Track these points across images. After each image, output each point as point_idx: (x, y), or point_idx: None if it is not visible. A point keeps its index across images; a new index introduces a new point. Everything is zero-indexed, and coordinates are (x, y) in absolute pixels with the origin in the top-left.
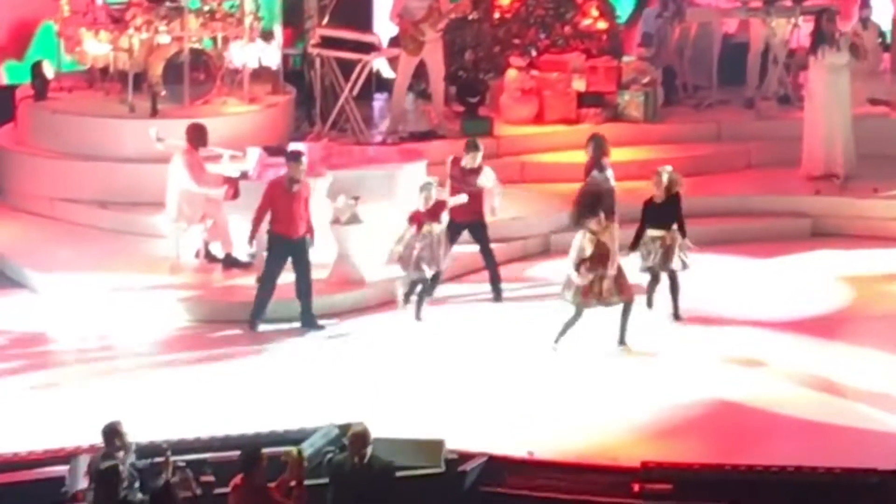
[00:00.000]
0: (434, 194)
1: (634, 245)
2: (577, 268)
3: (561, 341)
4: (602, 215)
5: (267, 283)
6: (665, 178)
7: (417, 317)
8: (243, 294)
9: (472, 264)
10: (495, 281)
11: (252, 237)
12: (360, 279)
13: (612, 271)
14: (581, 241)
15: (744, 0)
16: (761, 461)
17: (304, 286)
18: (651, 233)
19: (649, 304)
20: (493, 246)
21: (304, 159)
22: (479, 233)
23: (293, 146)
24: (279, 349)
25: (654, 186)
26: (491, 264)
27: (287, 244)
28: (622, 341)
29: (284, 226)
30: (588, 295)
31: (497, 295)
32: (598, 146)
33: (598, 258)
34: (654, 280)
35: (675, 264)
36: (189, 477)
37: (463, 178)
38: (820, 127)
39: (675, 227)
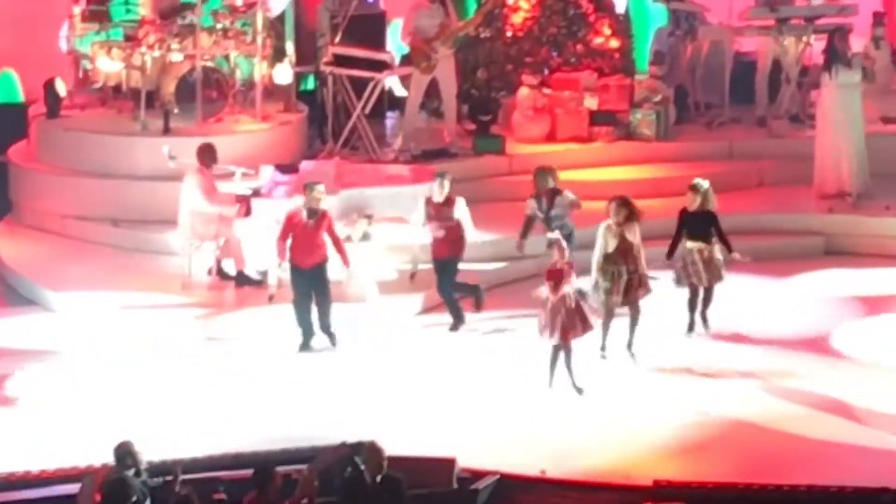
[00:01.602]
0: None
1: (671, 253)
2: (601, 267)
3: (607, 346)
4: (622, 207)
5: (296, 311)
6: (701, 192)
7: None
8: (255, 311)
9: (483, 282)
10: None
11: (280, 263)
12: (370, 296)
13: (642, 268)
14: (604, 235)
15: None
16: (774, 480)
17: (320, 317)
18: (690, 245)
19: (691, 328)
20: (504, 264)
21: (320, 188)
22: (453, 267)
23: (306, 169)
24: (290, 368)
25: (688, 200)
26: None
27: (299, 274)
28: (630, 346)
29: (295, 255)
30: (612, 294)
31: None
32: (543, 178)
33: (622, 253)
34: (694, 295)
35: (716, 280)
36: (192, 494)
37: (438, 215)
38: (832, 145)
39: (714, 241)
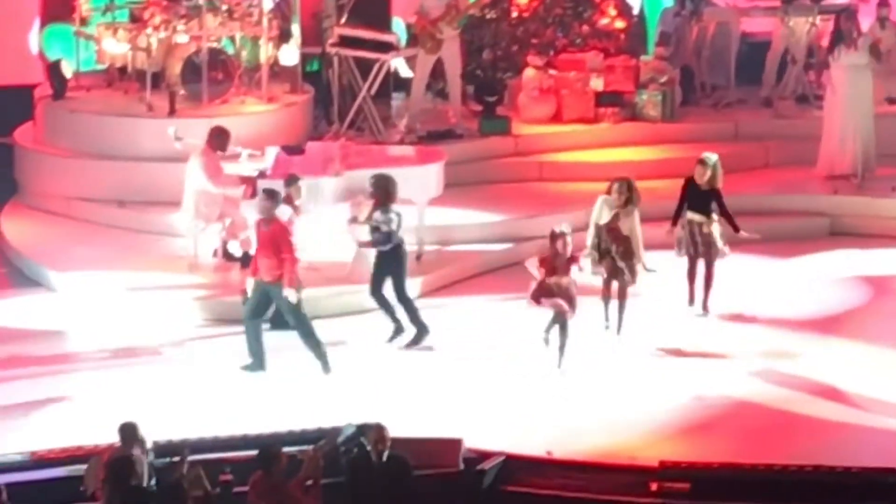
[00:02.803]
0: (569, 242)
1: (675, 221)
2: (593, 236)
3: (609, 317)
4: (625, 189)
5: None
6: (707, 170)
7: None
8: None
9: (489, 263)
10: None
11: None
12: None
13: (636, 256)
14: (600, 206)
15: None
16: (779, 460)
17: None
18: (691, 216)
19: (691, 299)
20: (510, 245)
21: (278, 196)
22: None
23: (312, 150)
24: (295, 349)
25: (697, 173)
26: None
27: (255, 283)
28: (619, 331)
29: (253, 264)
30: (601, 264)
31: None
32: (383, 188)
33: (612, 232)
34: (692, 266)
35: (715, 253)
36: (201, 474)
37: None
38: (838, 126)
39: (714, 216)
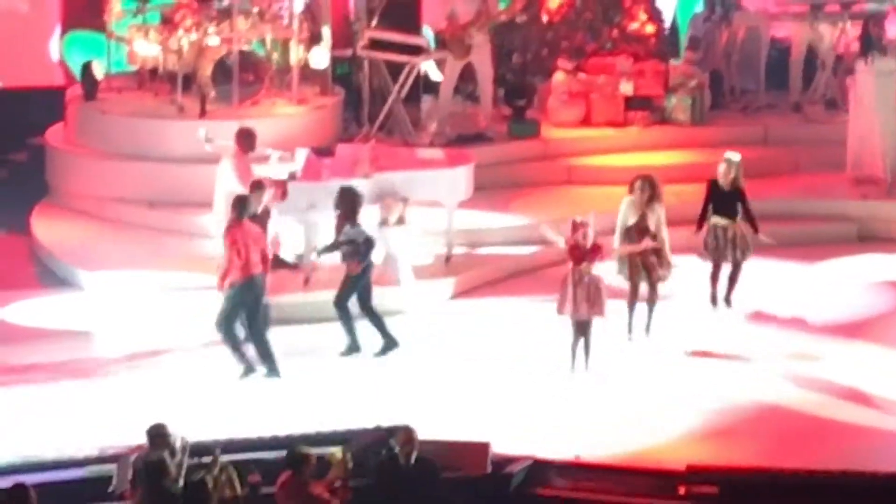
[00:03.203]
0: (590, 233)
1: (700, 226)
2: (621, 241)
3: (633, 327)
4: (646, 186)
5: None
6: (732, 168)
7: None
8: (290, 295)
9: (518, 266)
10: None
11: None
12: (406, 280)
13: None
14: (625, 210)
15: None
16: (807, 464)
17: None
18: (716, 220)
19: (713, 300)
20: (539, 248)
21: (245, 204)
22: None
23: (342, 152)
24: (323, 350)
25: (721, 172)
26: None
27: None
28: (647, 330)
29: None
30: (632, 265)
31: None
32: (350, 201)
33: (640, 231)
34: (717, 269)
35: (740, 257)
36: (233, 476)
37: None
38: (866, 131)
39: (739, 218)
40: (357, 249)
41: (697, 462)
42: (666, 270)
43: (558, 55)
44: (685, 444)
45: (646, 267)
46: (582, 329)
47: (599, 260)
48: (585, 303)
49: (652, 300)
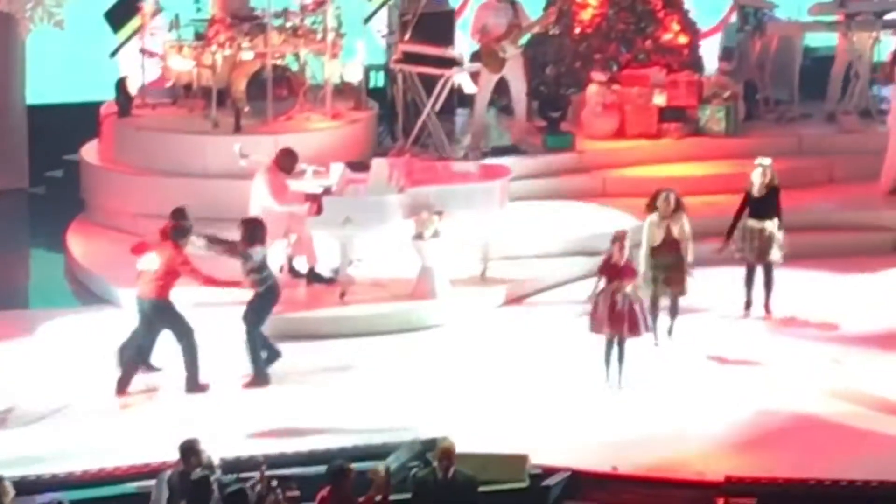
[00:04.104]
0: (626, 246)
1: (730, 233)
2: (648, 261)
3: (658, 334)
4: (671, 198)
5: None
6: (767, 171)
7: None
8: (327, 309)
9: (553, 279)
10: None
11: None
12: (441, 293)
13: (690, 258)
14: (650, 230)
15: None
16: (846, 476)
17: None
18: (750, 223)
19: (747, 305)
20: (575, 259)
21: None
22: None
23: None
24: (361, 364)
25: (754, 179)
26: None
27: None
28: (670, 332)
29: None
30: (658, 284)
31: None
32: (250, 230)
33: (668, 245)
34: (751, 272)
35: (774, 256)
36: (280, 499)
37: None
38: None
39: (774, 219)
40: (262, 277)
41: (735, 473)
42: (685, 286)
43: (591, 67)
44: (721, 455)
45: (666, 283)
46: (617, 344)
47: (629, 281)
48: (624, 323)
49: (673, 313)
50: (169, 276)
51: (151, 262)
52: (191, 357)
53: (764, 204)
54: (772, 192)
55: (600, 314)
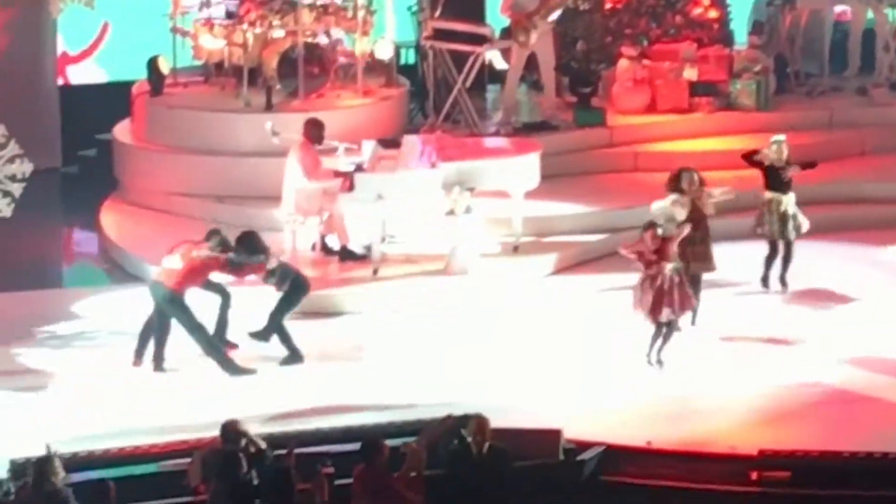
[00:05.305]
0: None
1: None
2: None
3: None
4: (694, 177)
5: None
6: (784, 147)
7: (658, 359)
8: (359, 286)
9: (585, 254)
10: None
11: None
12: (473, 269)
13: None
14: (671, 208)
15: None
16: (879, 448)
17: None
18: (769, 194)
19: (765, 281)
20: (606, 236)
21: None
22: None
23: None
24: (397, 340)
25: (772, 154)
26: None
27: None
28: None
29: None
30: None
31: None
32: (246, 245)
33: (694, 222)
34: (773, 251)
35: (791, 234)
36: (324, 483)
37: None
38: None
39: (791, 193)
40: (281, 277)
41: (769, 447)
42: (712, 262)
43: (622, 42)
44: (754, 429)
45: (693, 258)
46: (666, 325)
47: (667, 262)
48: (668, 307)
49: (696, 290)
50: (192, 275)
51: (175, 261)
52: (207, 347)
53: (784, 175)
54: (788, 165)
55: (646, 300)
